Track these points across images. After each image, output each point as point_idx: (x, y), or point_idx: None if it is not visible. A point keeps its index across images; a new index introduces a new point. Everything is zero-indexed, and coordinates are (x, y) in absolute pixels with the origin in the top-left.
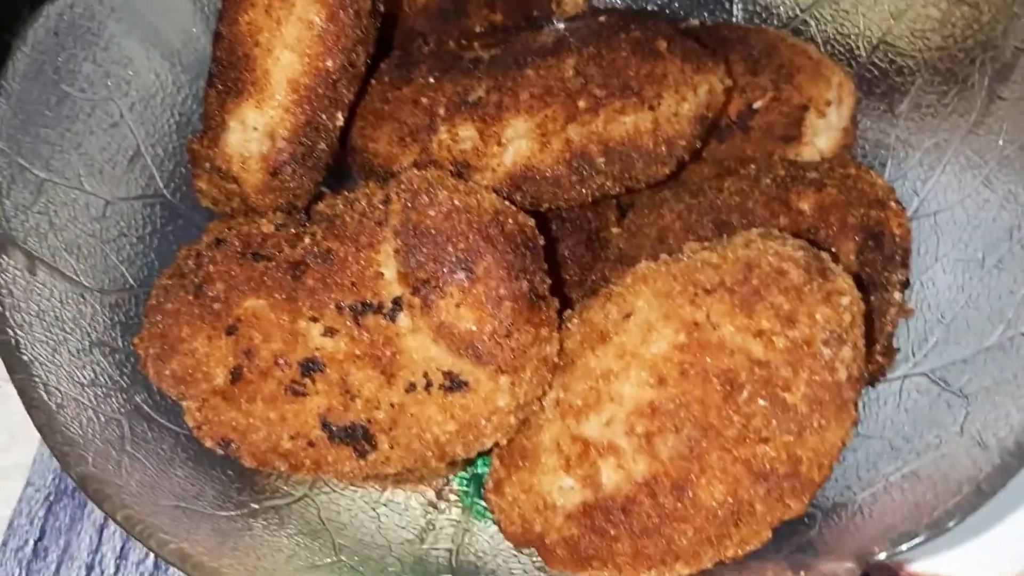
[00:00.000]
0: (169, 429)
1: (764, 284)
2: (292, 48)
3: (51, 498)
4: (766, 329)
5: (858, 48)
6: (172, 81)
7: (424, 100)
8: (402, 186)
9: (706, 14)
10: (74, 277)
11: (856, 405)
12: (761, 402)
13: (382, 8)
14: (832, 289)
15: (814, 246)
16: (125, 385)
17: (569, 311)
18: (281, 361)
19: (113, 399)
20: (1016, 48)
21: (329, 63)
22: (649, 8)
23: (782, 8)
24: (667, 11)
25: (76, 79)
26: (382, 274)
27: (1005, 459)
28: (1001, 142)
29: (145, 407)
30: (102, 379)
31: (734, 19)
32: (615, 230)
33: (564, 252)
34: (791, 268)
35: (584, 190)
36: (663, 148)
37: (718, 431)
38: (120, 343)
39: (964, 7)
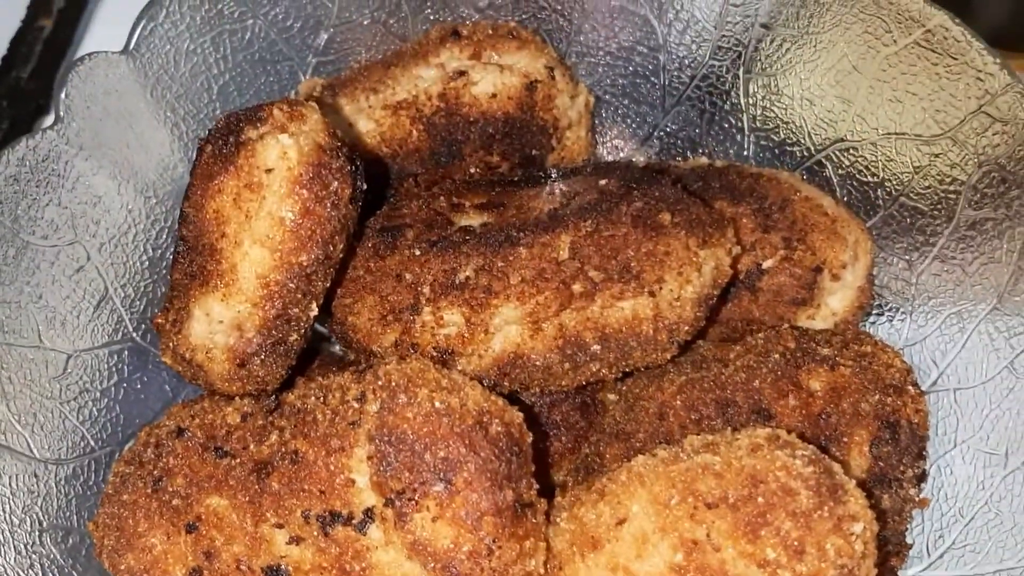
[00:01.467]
0: None
1: (770, 505)
2: (262, 243)
3: None
4: (771, 559)
5: (877, 198)
6: (146, 215)
7: (408, 276)
8: (379, 383)
9: (716, 145)
10: (27, 452)
11: None
12: None
13: (365, 187)
14: (844, 514)
15: (825, 432)
16: (77, 575)
17: (559, 500)
18: (244, 566)
19: None
20: None
21: (303, 258)
22: (657, 136)
23: (797, 149)
24: (676, 140)
25: (38, 226)
26: (353, 481)
27: None
28: None
29: None
30: (51, 574)
31: (745, 153)
32: (612, 396)
33: (557, 418)
34: (800, 488)
35: (578, 377)
36: (664, 335)
37: None
38: (75, 522)
39: (993, 174)
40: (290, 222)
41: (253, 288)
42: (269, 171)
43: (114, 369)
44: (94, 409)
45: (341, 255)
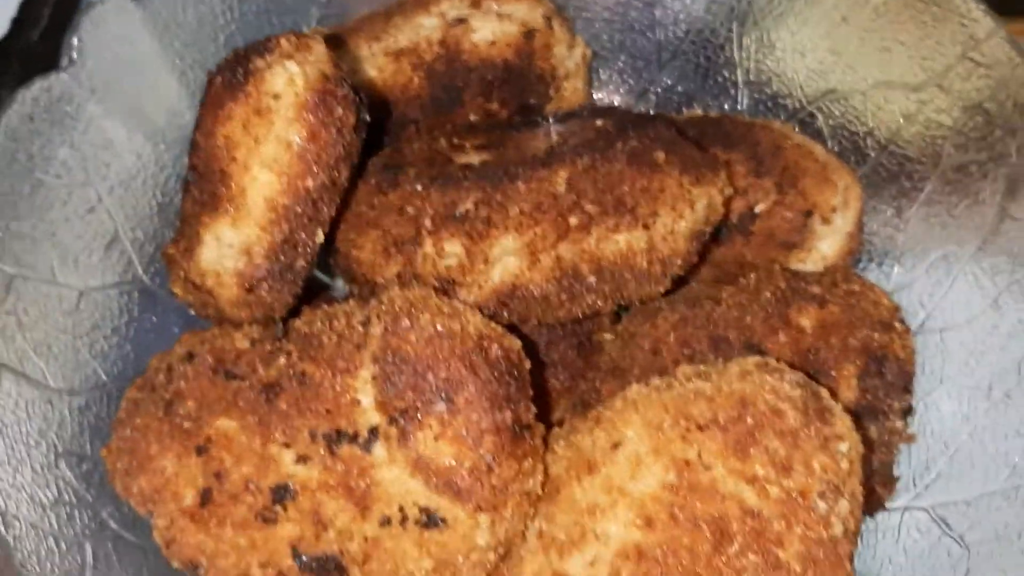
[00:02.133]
0: (136, 546)
1: (759, 425)
2: (270, 167)
3: None
4: (760, 476)
5: (866, 147)
6: (155, 161)
7: (410, 209)
8: (383, 307)
9: (710, 100)
10: (42, 380)
11: (852, 560)
12: (752, 556)
13: (368, 118)
14: (830, 434)
15: (814, 367)
16: (91, 499)
17: (556, 430)
18: (252, 486)
19: (77, 518)
20: None
21: (309, 182)
22: (653, 91)
23: (789, 101)
24: (672, 95)
25: (52, 165)
26: (359, 401)
27: None
28: (1012, 265)
29: (112, 522)
30: (66, 495)
31: (739, 107)
32: (608, 335)
33: (554, 356)
34: (787, 409)
35: (574, 308)
36: (657, 267)
37: None
38: (89, 450)
39: (977, 118)
40: (297, 146)
41: (261, 212)
42: (277, 97)
43: (124, 308)
44: (105, 345)
45: (345, 184)
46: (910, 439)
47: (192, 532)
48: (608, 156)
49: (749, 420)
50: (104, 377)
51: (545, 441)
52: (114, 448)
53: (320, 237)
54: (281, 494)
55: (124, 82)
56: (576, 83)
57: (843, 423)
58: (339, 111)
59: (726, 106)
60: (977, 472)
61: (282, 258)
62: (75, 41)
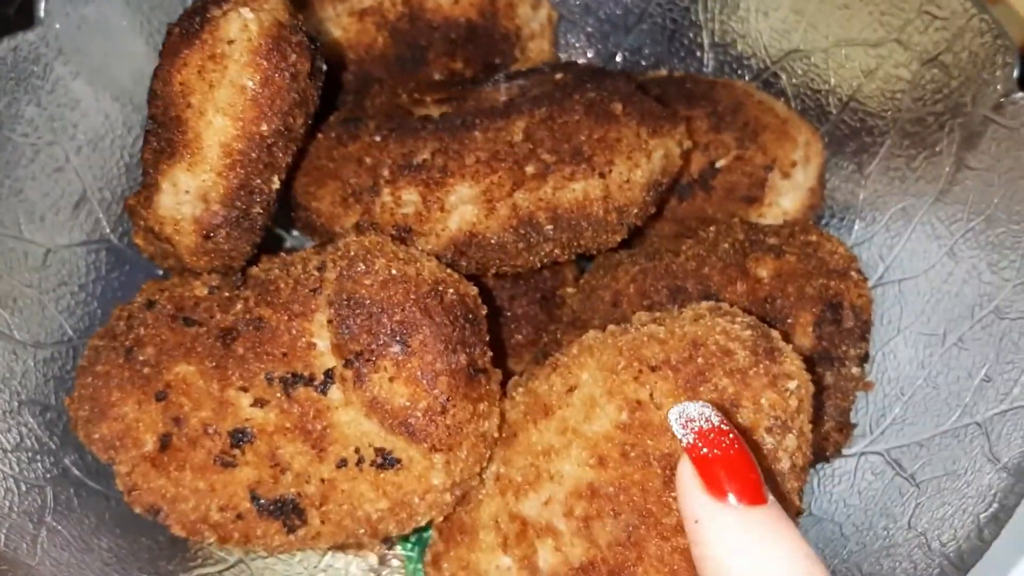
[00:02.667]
0: (99, 493)
1: (709, 364)
2: (224, 112)
3: None
4: None
5: (828, 104)
6: (122, 122)
7: (368, 160)
8: (338, 252)
9: (677, 63)
10: (7, 332)
11: (800, 495)
12: None
13: (324, 67)
14: (779, 372)
15: (771, 315)
16: (54, 447)
17: (515, 378)
18: (211, 430)
19: (39, 464)
20: (985, 116)
21: (263, 127)
22: (620, 55)
23: (753, 60)
24: (639, 59)
25: (18, 123)
26: (314, 344)
27: (945, 569)
28: (967, 213)
29: (74, 469)
30: (28, 441)
31: (705, 69)
32: (571, 289)
33: (518, 311)
34: (737, 348)
35: (531, 257)
36: (613, 216)
37: (657, 518)
38: (53, 400)
39: (934, 70)
40: (251, 91)
41: (217, 156)
42: (231, 42)
43: (92, 266)
44: (72, 301)
45: (301, 131)
46: (868, 387)
47: (152, 477)
48: (565, 107)
49: (700, 360)
50: (70, 332)
51: (503, 387)
52: (76, 396)
53: (276, 184)
54: (239, 438)
55: (92, 43)
56: (542, 44)
57: (792, 362)
58: (293, 57)
59: (692, 68)
60: (930, 415)
61: (239, 204)
62: (43, 2)
